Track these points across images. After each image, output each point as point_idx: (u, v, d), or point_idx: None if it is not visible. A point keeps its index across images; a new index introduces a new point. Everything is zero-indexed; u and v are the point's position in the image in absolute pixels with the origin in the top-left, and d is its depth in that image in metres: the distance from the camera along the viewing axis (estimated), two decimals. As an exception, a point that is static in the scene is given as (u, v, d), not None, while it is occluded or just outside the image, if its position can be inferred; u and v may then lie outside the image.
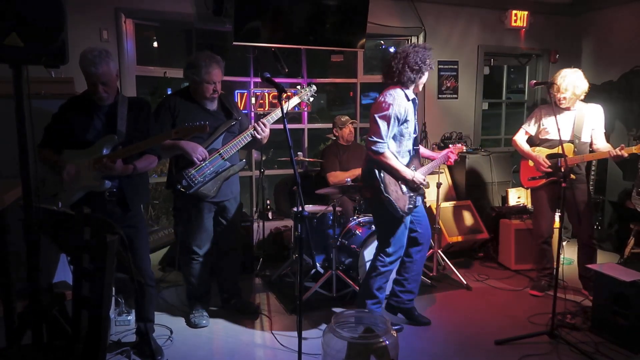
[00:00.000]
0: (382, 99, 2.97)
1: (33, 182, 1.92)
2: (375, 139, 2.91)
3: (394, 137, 3.01)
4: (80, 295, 1.77)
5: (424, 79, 3.05)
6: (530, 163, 3.83)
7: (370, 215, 4.02)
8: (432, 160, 3.45)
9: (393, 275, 3.35)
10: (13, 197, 2.42)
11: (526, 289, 4.00)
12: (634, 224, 4.33)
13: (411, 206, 3.06)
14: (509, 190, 5.16)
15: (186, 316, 3.44)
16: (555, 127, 3.62)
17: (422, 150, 3.44)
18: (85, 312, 1.75)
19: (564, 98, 3.62)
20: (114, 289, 3.10)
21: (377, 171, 2.94)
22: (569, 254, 4.76)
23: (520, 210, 4.74)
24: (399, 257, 3.16)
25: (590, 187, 4.74)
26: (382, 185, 2.93)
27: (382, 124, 2.91)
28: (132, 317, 3.30)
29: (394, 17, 5.11)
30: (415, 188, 3.08)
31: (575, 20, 5.80)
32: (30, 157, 1.90)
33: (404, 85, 3.00)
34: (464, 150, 3.60)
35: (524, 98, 6.25)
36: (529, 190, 5.17)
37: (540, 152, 3.78)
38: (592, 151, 3.72)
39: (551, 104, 3.72)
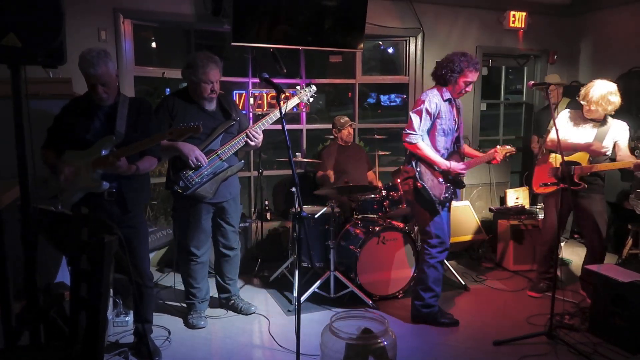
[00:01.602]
0: (419, 98, 3.26)
1: (31, 183, 1.91)
2: (409, 131, 3.18)
3: (428, 132, 3.22)
4: (78, 296, 1.76)
5: (460, 84, 3.20)
6: (551, 160, 3.73)
7: (369, 215, 4.03)
8: (470, 157, 3.51)
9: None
10: (10, 197, 2.42)
11: (525, 289, 4.00)
12: (632, 224, 4.33)
13: (447, 195, 3.25)
14: (507, 191, 5.17)
15: (184, 317, 3.43)
16: (576, 135, 3.58)
17: (469, 149, 3.59)
18: (83, 313, 1.74)
19: (592, 111, 3.50)
20: (112, 290, 3.09)
21: (413, 162, 3.21)
22: (567, 255, 4.77)
23: (518, 211, 4.74)
24: (445, 247, 3.31)
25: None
26: (417, 173, 3.17)
27: (414, 118, 3.17)
28: (130, 318, 3.30)
29: (392, 17, 5.11)
30: (454, 181, 3.27)
31: (573, 21, 5.81)
32: (27, 158, 1.90)
33: (443, 85, 3.26)
34: (515, 152, 3.46)
35: (522, 99, 6.25)
36: (527, 191, 5.20)
37: (557, 159, 3.67)
38: (613, 160, 3.58)
39: (577, 112, 3.65)
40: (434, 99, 3.18)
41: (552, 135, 3.74)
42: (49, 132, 2.73)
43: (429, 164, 3.21)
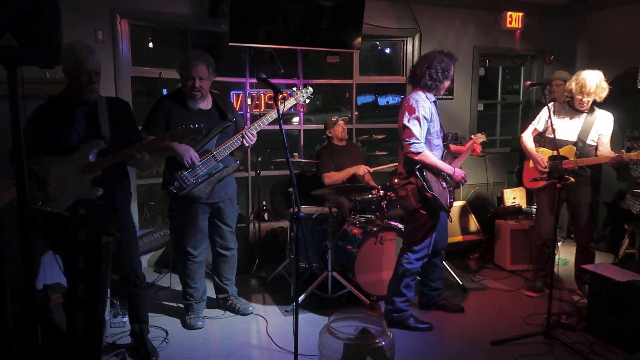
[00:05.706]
0: (408, 104, 3.13)
1: (28, 183, 1.91)
2: (412, 140, 3.06)
3: (425, 138, 3.16)
4: (75, 297, 1.76)
5: (445, 84, 3.21)
6: (532, 163, 3.80)
7: (367, 215, 4.03)
8: (460, 153, 3.57)
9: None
10: (7, 198, 2.41)
11: (522, 289, 4.01)
12: (628, 224, 4.35)
13: (451, 200, 3.26)
14: (505, 190, 5.18)
15: (182, 317, 3.43)
16: (562, 129, 3.62)
17: (453, 146, 3.63)
18: (80, 314, 1.74)
19: (588, 102, 3.53)
20: (109, 290, 3.08)
21: (418, 172, 3.09)
22: (564, 255, 4.79)
23: (515, 211, 4.75)
24: (426, 255, 3.29)
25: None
26: (425, 183, 3.07)
27: (413, 126, 3.06)
28: (127, 319, 3.28)
29: (389, 18, 5.12)
30: (455, 183, 3.27)
31: (570, 22, 5.83)
32: (24, 158, 1.89)
33: (426, 88, 3.16)
34: (485, 140, 3.67)
35: (519, 99, 6.27)
36: (524, 191, 5.21)
37: (543, 153, 3.75)
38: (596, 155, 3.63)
39: (561, 104, 3.68)
40: (425, 104, 3.10)
41: (524, 134, 3.83)
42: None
43: (434, 171, 3.16)
